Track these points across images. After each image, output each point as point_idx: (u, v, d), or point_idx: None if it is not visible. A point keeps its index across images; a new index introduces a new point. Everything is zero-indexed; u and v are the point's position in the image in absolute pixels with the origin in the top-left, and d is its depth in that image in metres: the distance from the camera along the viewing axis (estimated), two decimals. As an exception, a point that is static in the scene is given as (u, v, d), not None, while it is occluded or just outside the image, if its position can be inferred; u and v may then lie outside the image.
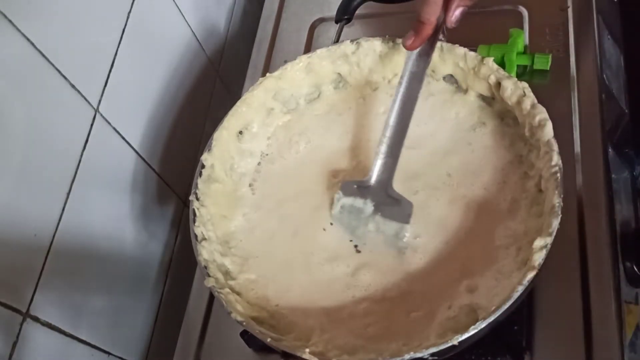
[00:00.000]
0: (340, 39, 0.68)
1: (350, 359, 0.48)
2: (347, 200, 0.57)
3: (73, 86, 0.54)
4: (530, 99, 0.54)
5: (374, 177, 0.56)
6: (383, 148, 0.56)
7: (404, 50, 0.62)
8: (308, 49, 0.80)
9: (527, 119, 0.54)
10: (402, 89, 0.56)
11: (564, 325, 0.52)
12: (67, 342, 0.54)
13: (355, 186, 0.57)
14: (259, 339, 0.49)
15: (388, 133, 0.56)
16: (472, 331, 0.43)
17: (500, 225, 0.53)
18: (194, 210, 0.56)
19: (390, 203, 0.55)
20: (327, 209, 0.59)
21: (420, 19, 0.52)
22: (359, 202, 0.56)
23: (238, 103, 0.63)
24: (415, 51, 0.55)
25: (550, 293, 0.54)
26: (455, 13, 0.51)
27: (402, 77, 0.56)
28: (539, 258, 0.45)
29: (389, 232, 0.55)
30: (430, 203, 0.56)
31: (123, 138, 0.63)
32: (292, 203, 0.61)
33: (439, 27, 0.53)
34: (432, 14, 0.51)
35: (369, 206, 0.56)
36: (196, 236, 0.55)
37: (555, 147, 0.50)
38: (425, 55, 0.55)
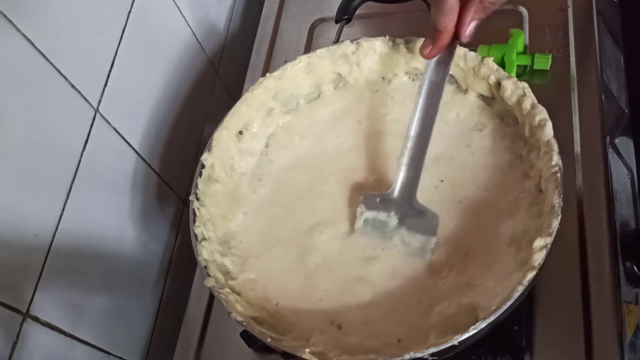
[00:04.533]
0: (340, 39, 0.68)
1: (350, 359, 0.48)
2: (371, 214, 0.55)
3: (73, 86, 0.54)
4: (530, 99, 0.54)
5: (397, 189, 0.55)
6: (405, 160, 0.54)
7: (404, 50, 0.63)
8: (308, 49, 0.80)
9: (527, 119, 0.54)
10: (421, 99, 0.54)
11: (564, 325, 0.53)
12: (67, 342, 0.54)
13: (377, 199, 0.55)
14: (259, 339, 0.49)
15: (409, 144, 0.54)
16: (472, 331, 0.43)
17: (500, 225, 0.53)
18: (194, 210, 0.56)
19: (415, 215, 0.54)
20: (329, 206, 0.59)
21: (437, 28, 0.50)
22: (382, 215, 0.55)
23: (238, 103, 0.63)
24: (434, 59, 0.53)
25: (550, 293, 0.54)
26: (470, 27, 0.49)
27: (420, 87, 0.54)
28: (539, 258, 0.45)
29: (415, 245, 0.54)
30: (430, 204, 0.56)
31: (123, 138, 0.63)
32: (293, 203, 0.61)
33: (457, 35, 0.51)
34: (448, 22, 0.49)
35: (393, 219, 0.55)
36: (196, 236, 0.55)
37: (555, 147, 0.50)
38: (444, 64, 0.54)
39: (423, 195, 0.57)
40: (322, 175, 0.62)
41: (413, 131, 0.54)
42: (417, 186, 0.54)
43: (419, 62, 0.63)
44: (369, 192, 0.57)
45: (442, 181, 0.58)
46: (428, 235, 0.53)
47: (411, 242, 0.54)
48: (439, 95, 0.54)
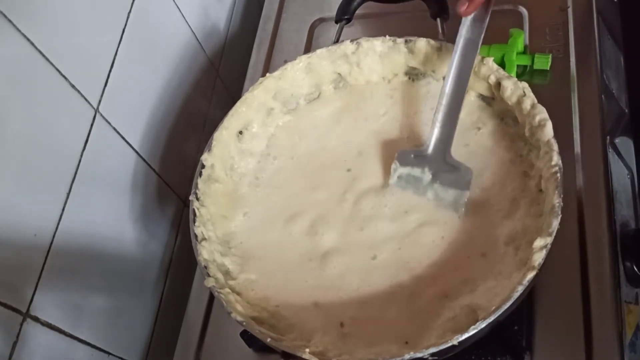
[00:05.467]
0: (340, 39, 0.68)
1: (350, 359, 0.48)
2: (405, 170, 0.57)
3: (73, 86, 0.54)
4: (530, 99, 0.54)
5: (431, 145, 0.57)
6: (440, 116, 0.56)
7: (404, 50, 0.63)
8: (308, 49, 0.80)
9: (527, 119, 0.54)
10: (457, 56, 0.56)
11: (564, 325, 0.53)
12: (67, 342, 0.54)
13: (412, 155, 0.57)
14: (259, 339, 0.49)
15: (444, 101, 0.56)
16: (472, 331, 0.43)
17: (500, 225, 0.53)
18: (194, 210, 0.56)
19: (448, 170, 0.56)
20: (327, 208, 0.59)
21: None
22: (416, 171, 0.57)
23: (238, 103, 0.63)
24: (470, 17, 0.55)
25: (550, 293, 0.54)
26: None
27: (457, 45, 0.56)
28: (539, 258, 0.45)
29: (448, 199, 0.55)
30: (430, 203, 0.56)
31: (123, 138, 0.63)
32: (293, 203, 0.61)
33: None
34: None
35: (427, 174, 0.56)
36: (196, 236, 0.55)
37: (555, 147, 0.50)
38: (480, 21, 0.55)
39: (424, 195, 0.57)
40: (321, 174, 0.62)
41: (448, 88, 0.56)
42: (452, 142, 0.56)
43: (419, 62, 0.63)
44: (404, 149, 0.59)
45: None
46: (461, 189, 0.55)
47: (444, 197, 0.55)
48: (474, 53, 0.55)
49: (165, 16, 0.71)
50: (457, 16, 0.56)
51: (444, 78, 0.62)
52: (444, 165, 0.56)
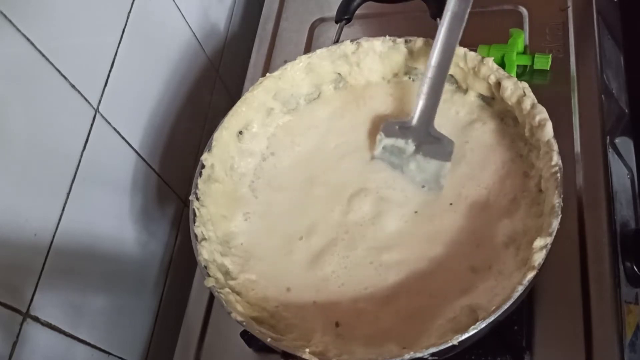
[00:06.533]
0: (340, 39, 0.68)
1: (350, 359, 0.48)
2: (389, 141, 0.59)
3: (73, 86, 0.54)
4: (530, 99, 0.54)
5: (415, 117, 0.58)
6: (425, 89, 0.57)
7: (404, 50, 0.63)
8: (308, 49, 0.80)
9: (527, 119, 0.54)
10: (443, 30, 0.56)
11: (564, 325, 0.53)
12: (67, 342, 0.54)
13: (397, 127, 0.59)
14: (259, 339, 0.49)
15: (430, 74, 0.57)
16: (472, 331, 0.43)
17: (500, 225, 0.53)
18: (194, 210, 0.56)
19: (431, 142, 0.57)
20: (326, 208, 0.59)
21: None
22: (400, 142, 0.58)
23: (238, 103, 0.63)
24: None
25: (550, 293, 0.54)
26: None
27: (443, 18, 0.56)
28: (539, 258, 0.45)
29: (430, 170, 0.57)
30: (430, 202, 0.56)
31: (123, 138, 0.63)
32: (292, 203, 0.61)
33: None
34: None
35: (410, 146, 0.58)
36: (196, 236, 0.55)
37: (555, 147, 0.50)
38: None
39: (424, 194, 0.57)
40: (322, 175, 0.62)
41: (434, 61, 0.57)
42: (435, 114, 0.57)
43: (419, 62, 0.63)
44: (389, 120, 0.60)
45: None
46: (442, 160, 0.56)
47: (426, 168, 0.57)
48: (460, 27, 0.56)
49: (165, 16, 0.71)
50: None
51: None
52: (427, 137, 0.57)
